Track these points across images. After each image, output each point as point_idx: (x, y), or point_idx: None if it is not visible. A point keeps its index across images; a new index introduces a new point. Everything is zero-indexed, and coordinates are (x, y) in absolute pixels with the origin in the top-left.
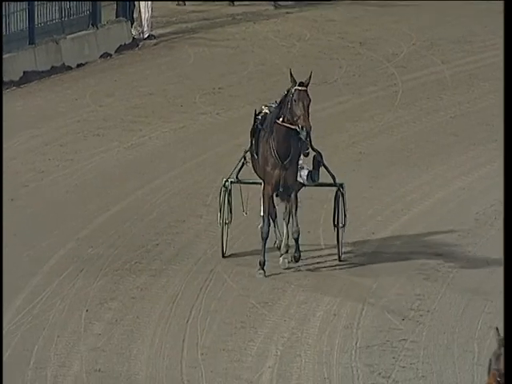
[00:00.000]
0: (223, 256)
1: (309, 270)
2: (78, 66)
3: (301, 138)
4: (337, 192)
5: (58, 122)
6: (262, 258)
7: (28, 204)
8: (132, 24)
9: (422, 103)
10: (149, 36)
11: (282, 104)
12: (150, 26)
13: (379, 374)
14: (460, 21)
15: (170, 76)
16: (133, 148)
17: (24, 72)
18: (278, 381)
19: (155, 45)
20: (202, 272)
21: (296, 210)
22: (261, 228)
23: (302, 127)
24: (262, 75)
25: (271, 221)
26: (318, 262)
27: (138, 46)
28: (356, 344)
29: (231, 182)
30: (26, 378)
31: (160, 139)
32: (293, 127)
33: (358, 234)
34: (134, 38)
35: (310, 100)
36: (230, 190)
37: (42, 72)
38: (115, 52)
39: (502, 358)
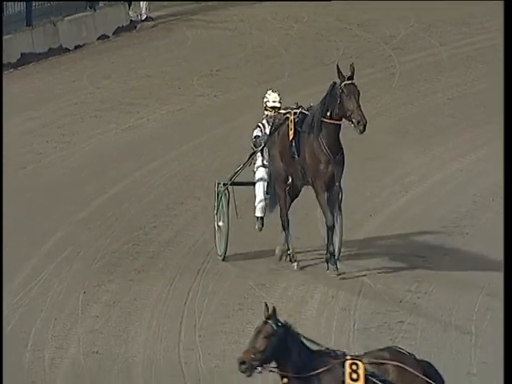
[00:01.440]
0: (223, 259)
1: (307, 251)
2: (76, 47)
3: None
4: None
5: (55, 104)
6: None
7: (25, 186)
8: (130, 6)
9: (419, 85)
10: (146, 18)
11: (325, 100)
12: (147, 8)
13: None
14: (458, 3)
15: (168, 58)
16: (130, 130)
17: (21, 54)
18: None
19: (153, 27)
20: (199, 254)
21: (341, 200)
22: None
23: (358, 122)
24: (260, 57)
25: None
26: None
27: (135, 28)
28: (353, 326)
29: (224, 184)
30: (23, 360)
31: (157, 121)
32: (339, 123)
33: (356, 215)
34: (131, 20)
35: (359, 92)
36: (225, 193)
37: (40, 54)
38: (113, 34)
39: (260, 336)
